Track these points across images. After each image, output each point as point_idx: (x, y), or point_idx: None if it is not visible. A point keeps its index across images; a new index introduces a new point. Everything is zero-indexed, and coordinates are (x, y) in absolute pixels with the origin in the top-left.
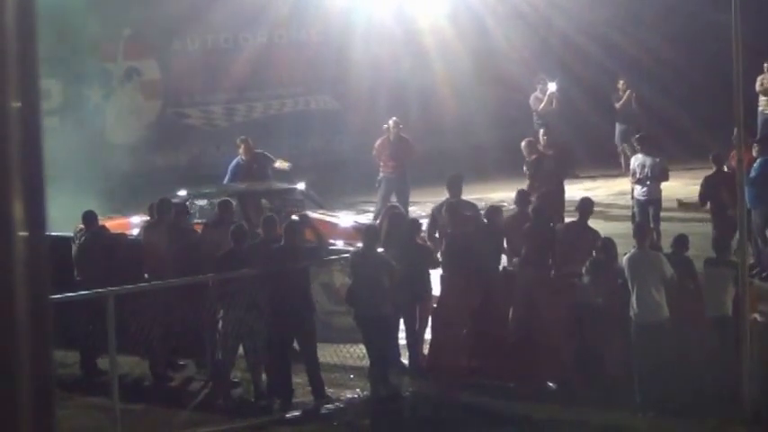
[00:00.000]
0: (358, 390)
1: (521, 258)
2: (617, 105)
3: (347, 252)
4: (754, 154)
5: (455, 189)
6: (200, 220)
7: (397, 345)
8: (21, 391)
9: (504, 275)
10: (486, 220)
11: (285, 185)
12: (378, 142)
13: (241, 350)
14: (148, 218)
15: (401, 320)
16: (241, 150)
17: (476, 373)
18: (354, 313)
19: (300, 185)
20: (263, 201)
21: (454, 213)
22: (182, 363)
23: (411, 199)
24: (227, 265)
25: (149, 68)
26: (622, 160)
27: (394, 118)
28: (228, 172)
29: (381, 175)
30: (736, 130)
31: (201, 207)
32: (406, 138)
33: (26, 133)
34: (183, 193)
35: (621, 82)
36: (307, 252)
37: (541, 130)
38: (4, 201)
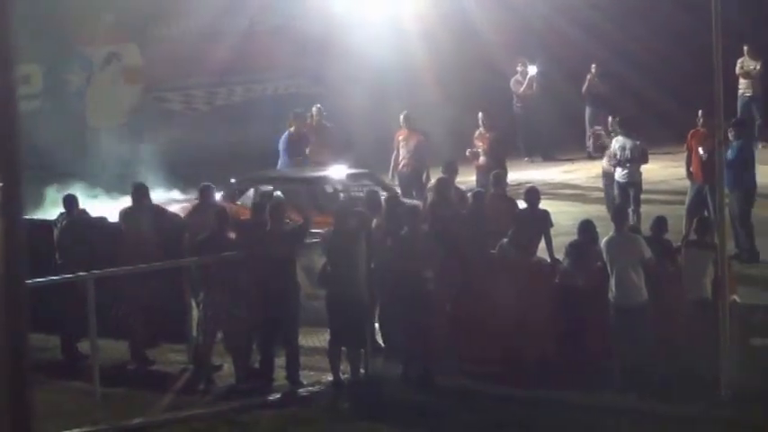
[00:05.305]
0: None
1: (506, 240)
2: (583, 90)
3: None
4: (730, 137)
5: (451, 172)
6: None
7: (373, 327)
8: None
9: (486, 259)
10: (471, 205)
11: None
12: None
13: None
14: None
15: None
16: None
17: (457, 356)
18: (326, 294)
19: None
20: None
21: (442, 192)
22: None
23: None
24: (207, 249)
25: (130, 53)
26: (591, 142)
27: (318, 105)
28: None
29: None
30: (700, 111)
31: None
32: (327, 126)
33: (3, 120)
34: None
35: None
36: (292, 233)
37: (480, 114)
38: None
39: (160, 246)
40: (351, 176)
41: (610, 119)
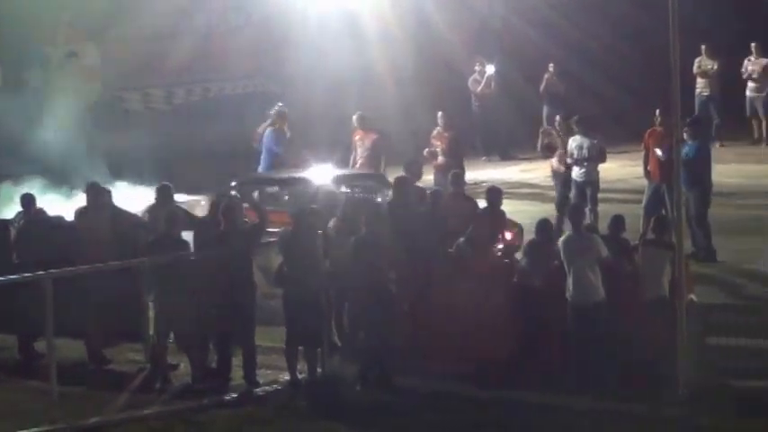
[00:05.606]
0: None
1: (462, 240)
2: (541, 89)
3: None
4: (685, 137)
5: (413, 171)
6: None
7: (330, 327)
8: None
9: (445, 259)
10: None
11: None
12: (261, 128)
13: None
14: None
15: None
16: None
17: (418, 356)
18: (283, 293)
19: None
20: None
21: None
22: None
23: None
24: (158, 250)
25: (88, 52)
26: (540, 139)
27: (279, 104)
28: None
29: None
30: (658, 111)
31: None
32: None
33: None
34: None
35: (552, 65)
36: (247, 233)
37: (439, 113)
38: None
39: (116, 245)
40: (356, 177)
41: (558, 118)
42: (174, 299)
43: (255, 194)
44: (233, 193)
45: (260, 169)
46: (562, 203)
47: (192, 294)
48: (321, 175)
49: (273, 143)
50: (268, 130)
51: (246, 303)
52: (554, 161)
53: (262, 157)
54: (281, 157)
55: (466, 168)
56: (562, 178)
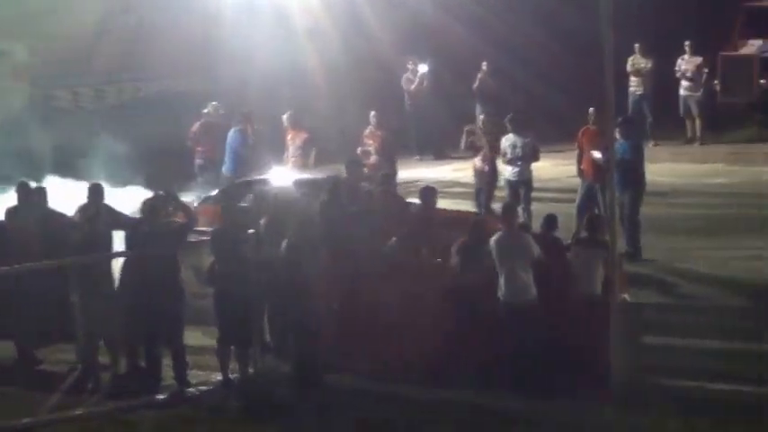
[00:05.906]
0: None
1: (394, 239)
2: (474, 87)
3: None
4: (617, 136)
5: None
6: None
7: (262, 325)
8: None
9: (376, 258)
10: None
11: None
12: (195, 127)
13: None
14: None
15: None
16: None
17: (344, 355)
18: (214, 292)
19: None
20: None
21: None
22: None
23: None
24: (82, 250)
25: (18, 51)
26: (464, 138)
27: (214, 102)
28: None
29: (201, 161)
30: (591, 109)
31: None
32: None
33: None
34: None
35: (485, 63)
36: (173, 232)
37: (372, 112)
38: None
39: (46, 245)
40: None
41: (482, 117)
42: (95, 300)
43: (249, 198)
44: (160, 192)
45: (224, 170)
46: (481, 204)
47: (115, 296)
48: (322, 176)
49: (239, 145)
50: (233, 131)
51: (174, 303)
52: (477, 160)
53: (226, 158)
54: (247, 159)
55: (399, 167)
56: (486, 178)
